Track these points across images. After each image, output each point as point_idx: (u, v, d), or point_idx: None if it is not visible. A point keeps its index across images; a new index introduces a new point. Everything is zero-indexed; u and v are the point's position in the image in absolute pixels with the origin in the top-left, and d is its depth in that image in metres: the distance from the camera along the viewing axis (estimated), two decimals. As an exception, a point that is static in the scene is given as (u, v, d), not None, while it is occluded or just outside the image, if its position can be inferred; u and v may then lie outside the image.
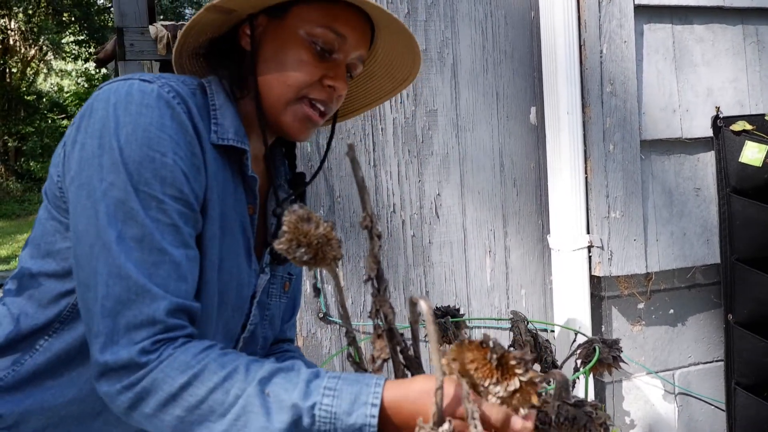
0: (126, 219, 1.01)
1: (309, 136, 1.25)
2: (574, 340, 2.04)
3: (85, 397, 1.17)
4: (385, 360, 0.98)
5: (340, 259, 0.97)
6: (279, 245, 0.91)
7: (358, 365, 1.08)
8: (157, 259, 1.01)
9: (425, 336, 2.00)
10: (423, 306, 0.84)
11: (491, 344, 0.84)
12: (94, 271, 1.00)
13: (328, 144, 1.42)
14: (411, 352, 1.03)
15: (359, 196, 0.99)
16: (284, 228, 0.90)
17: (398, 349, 1.01)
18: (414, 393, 0.92)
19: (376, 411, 0.91)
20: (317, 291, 1.14)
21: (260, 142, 1.27)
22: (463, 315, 2.13)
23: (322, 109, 1.22)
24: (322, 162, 1.44)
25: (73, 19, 18.90)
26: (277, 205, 1.31)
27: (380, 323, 0.99)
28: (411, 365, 1.02)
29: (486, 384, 0.84)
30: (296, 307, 1.50)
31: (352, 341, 1.05)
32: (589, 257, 2.54)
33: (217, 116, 1.17)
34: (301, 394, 0.93)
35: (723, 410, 2.72)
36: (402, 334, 1.02)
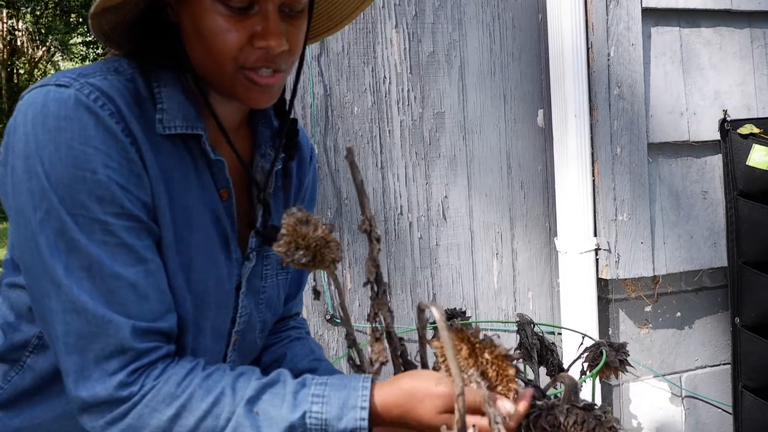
0: (69, 250, 0.93)
1: (272, 99, 1.08)
2: (581, 344, 2.04)
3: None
4: (383, 363, 0.99)
5: (339, 261, 0.96)
6: (278, 248, 0.92)
7: (359, 368, 1.08)
8: (111, 286, 0.94)
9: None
10: (435, 313, 0.85)
11: (467, 332, 0.87)
12: (48, 308, 0.94)
13: (293, 91, 1.22)
14: (414, 357, 1.04)
15: (358, 199, 0.99)
16: (283, 231, 0.91)
17: (398, 352, 1.01)
18: (401, 391, 0.94)
19: (366, 414, 0.92)
20: (317, 294, 1.14)
21: (231, 111, 1.13)
22: (469, 318, 2.13)
23: (268, 71, 1.04)
24: (290, 106, 1.22)
25: (81, 20, 18.97)
26: (259, 190, 1.16)
27: (378, 326, 1.00)
28: (410, 368, 1.02)
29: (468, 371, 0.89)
30: (303, 282, 1.41)
31: (353, 343, 1.05)
32: (596, 260, 2.54)
33: (163, 101, 1.03)
34: (290, 407, 0.93)
35: (730, 413, 2.72)
36: (401, 338, 1.03)
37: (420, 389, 0.93)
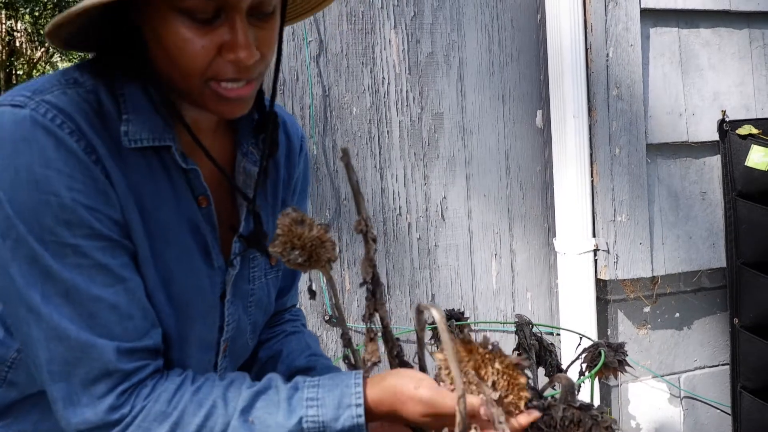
0: (44, 277, 0.89)
1: (245, 109, 1.01)
2: (579, 344, 2.04)
3: None
4: (375, 363, 0.99)
5: (334, 261, 0.96)
6: (273, 248, 0.91)
7: (355, 368, 1.09)
8: (92, 309, 0.91)
9: (431, 340, 2.00)
10: (435, 315, 0.85)
11: (475, 343, 0.87)
12: (29, 336, 0.92)
13: (274, 83, 1.13)
14: (412, 358, 1.04)
15: (354, 200, 0.99)
16: (278, 231, 0.91)
17: (394, 352, 1.02)
18: (386, 390, 0.94)
19: (362, 410, 0.93)
20: (313, 294, 1.13)
21: (206, 115, 1.06)
22: (467, 318, 2.13)
23: (240, 84, 0.97)
24: (273, 98, 1.13)
25: (79, 21, 18.90)
26: (248, 202, 1.10)
27: (372, 327, 1.00)
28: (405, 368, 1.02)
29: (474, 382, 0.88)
30: (297, 275, 1.37)
31: (348, 343, 1.05)
32: (595, 261, 2.54)
33: (128, 112, 0.97)
34: (286, 413, 0.93)
35: (729, 414, 2.72)
36: (398, 339, 1.03)
37: (402, 390, 0.93)
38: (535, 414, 0.90)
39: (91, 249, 0.91)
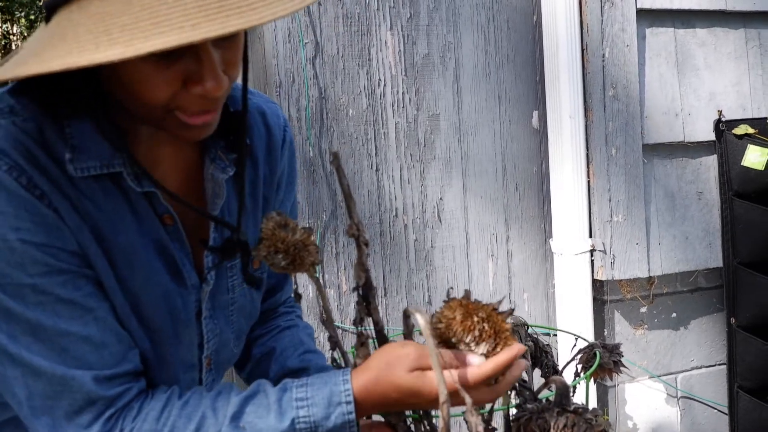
0: (7, 319, 0.86)
1: (209, 132, 0.95)
2: (574, 345, 2.04)
3: None
4: None
5: (318, 264, 0.97)
6: (257, 252, 0.92)
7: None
8: (62, 344, 0.88)
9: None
10: (419, 320, 0.86)
11: (458, 299, 0.90)
12: (5, 376, 0.89)
13: (243, 96, 1.05)
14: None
15: (345, 204, 0.99)
16: (262, 235, 0.92)
17: None
18: (372, 368, 0.94)
19: (352, 407, 0.93)
20: (298, 297, 1.13)
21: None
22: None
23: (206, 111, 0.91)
24: (244, 104, 1.06)
25: (76, 22, 18.89)
26: (233, 233, 1.03)
27: (364, 331, 1.00)
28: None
29: (466, 341, 0.90)
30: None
31: (335, 345, 1.06)
32: (592, 261, 2.54)
33: (73, 137, 0.90)
34: (277, 415, 0.92)
35: (726, 414, 2.72)
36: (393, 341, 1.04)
37: (387, 356, 0.94)
38: (519, 346, 0.90)
39: (51, 285, 0.87)
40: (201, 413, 0.93)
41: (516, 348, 0.90)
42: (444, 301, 0.90)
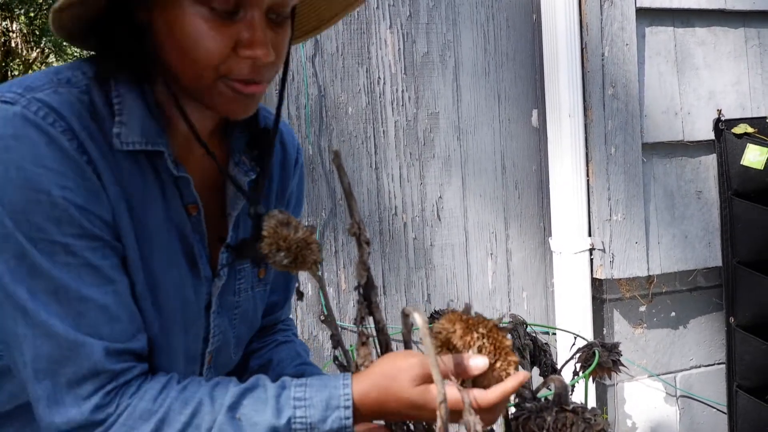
0: (31, 274, 0.88)
1: (253, 109, 1.01)
2: (573, 344, 2.04)
3: None
4: (368, 367, 0.99)
5: (320, 262, 0.96)
6: (260, 249, 0.92)
7: (345, 368, 1.09)
8: (79, 308, 0.89)
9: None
10: (417, 319, 0.85)
11: (458, 312, 0.90)
12: (15, 333, 0.90)
13: (280, 94, 1.13)
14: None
15: (346, 202, 0.99)
16: (264, 233, 0.91)
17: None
18: (375, 376, 0.93)
19: (350, 413, 0.92)
20: (300, 295, 1.14)
21: (206, 116, 1.06)
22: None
23: (254, 82, 0.97)
24: (278, 111, 1.11)
25: (75, 20, 18.87)
26: (250, 205, 1.06)
27: (365, 330, 1.00)
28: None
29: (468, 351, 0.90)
30: (290, 290, 1.35)
31: (337, 344, 1.05)
32: (591, 260, 2.54)
33: (122, 114, 0.95)
34: (274, 411, 0.92)
35: (724, 413, 2.72)
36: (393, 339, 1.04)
37: (391, 367, 0.93)
38: (524, 374, 0.90)
39: (81, 248, 0.90)
40: (198, 399, 0.92)
41: (522, 375, 0.90)
42: (440, 311, 0.90)
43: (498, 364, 0.90)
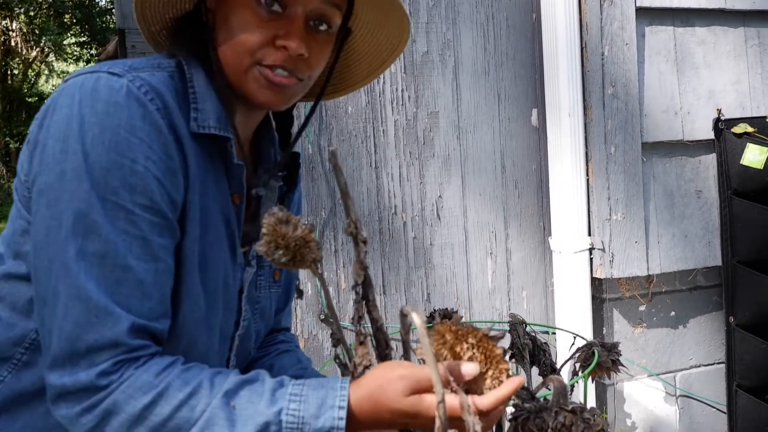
0: (87, 233, 0.93)
1: (283, 102, 1.11)
2: (573, 344, 2.04)
3: None
4: (366, 367, 0.99)
5: (319, 260, 0.96)
6: (259, 247, 0.93)
7: (346, 367, 1.08)
8: (120, 277, 0.94)
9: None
10: (415, 319, 0.85)
11: (448, 323, 0.90)
12: (53, 290, 0.94)
13: (309, 115, 1.27)
14: (401, 359, 1.04)
15: (343, 202, 0.99)
16: (263, 230, 0.92)
17: (388, 357, 1.01)
18: (368, 385, 0.94)
19: (344, 413, 0.92)
20: (300, 293, 1.15)
21: (246, 124, 1.17)
22: (462, 317, 2.12)
23: (284, 72, 1.07)
24: (303, 127, 1.26)
25: (74, 20, 18.90)
26: (261, 184, 1.18)
27: (363, 330, 1.00)
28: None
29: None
30: (290, 296, 1.41)
31: (337, 342, 1.05)
32: (591, 259, 2.54)
33: (198, 101, 1.05)
34: (268, 402, 0.93)
35: (724, 413, 2.72)
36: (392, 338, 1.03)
37: (381, 378, 0.93)
38: (519, 379, 0.90)
39: (142, 220, 0.95)
40: (198, 381, 0.95)
41: (516, 381, 0.91)
42: (439, 310, 0.90)
43: (490, 373, 0.91)
